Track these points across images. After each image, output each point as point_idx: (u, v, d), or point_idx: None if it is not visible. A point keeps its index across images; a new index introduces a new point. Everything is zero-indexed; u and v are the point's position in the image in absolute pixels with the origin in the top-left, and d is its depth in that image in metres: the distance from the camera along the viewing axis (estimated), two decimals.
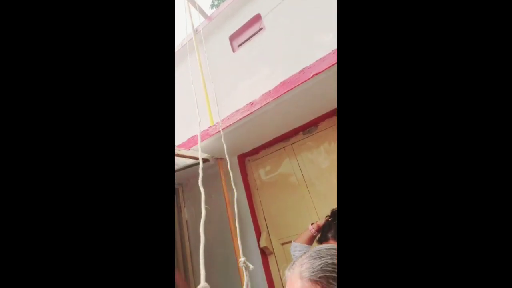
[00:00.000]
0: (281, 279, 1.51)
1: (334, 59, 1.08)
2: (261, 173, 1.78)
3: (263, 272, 1.52)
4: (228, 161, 1.08)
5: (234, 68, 1.67)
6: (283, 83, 1.24)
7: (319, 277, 0.43)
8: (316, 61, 1.15)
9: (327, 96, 1.35)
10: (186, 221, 1.90)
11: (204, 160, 1.64)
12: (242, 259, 0.59)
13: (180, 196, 1.97)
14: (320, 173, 1.53)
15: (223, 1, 5.08)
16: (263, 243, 1.56)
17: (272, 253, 1.58)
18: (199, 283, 0.43)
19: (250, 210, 1.68)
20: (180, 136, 1.64)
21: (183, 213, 1.92)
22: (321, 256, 0.46)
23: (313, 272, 0.44)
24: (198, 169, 0.61)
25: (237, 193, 0.89)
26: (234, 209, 0.80)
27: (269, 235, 1.61)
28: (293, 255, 1.15)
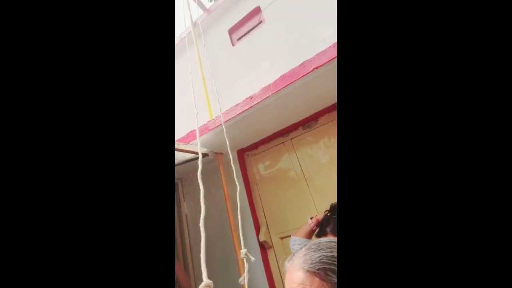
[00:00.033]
0: (280, 272, 1.52)
1: (334, 53, 1.07)
2: (260, 168, 1.78)
3: (263, 266, 1.53)
4: (231, 155, 1.08)
5: (234, 62, 1.65)
6: (283, 77, 1.23)
7: (318, 269, 0.44)
8: (317, 54, 1.14)
9: (327, 90, 1.34)
10: (186, 215, 1.91)
11: (204, 155, 1.64)
12: (243, 250, 0.59)
13: (180, 191, 1.97)
14: (320, 168, 1.53)
15: None
16: (262, 238, 1.57)
17: (271, 247, 1.59)
18: (199, 278, 0.42)
19: (250, 205, 1.68)
20: (179, 130, 1.63)
21: (182, 208, 1.92)
22: (321, 249, 0.47)
23: (311, 263, 0.45)
24: (197, 163, 0.61)
25: (238, 187, 0.89)
26: (236, 202, 0.80)
27: (269, 229, 1.62)
28: (292, 249, 1.15)
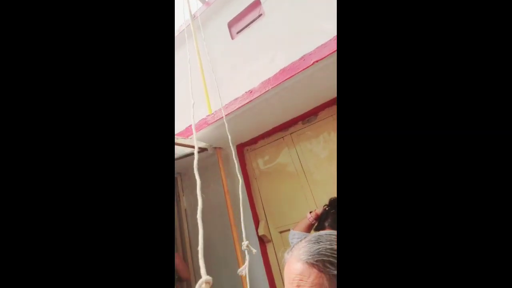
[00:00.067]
0: (279, 266, 1.54)
1: (335, 46, 1.06)
2: (260, 162, 1.78)
3: (262, 259, 1.54)
4: (233, 149, 1.07)
5: (233, 56, 1.63)
6: (283, 71, 1.22)
7: (316, 261, 0.44)
8: (317, 47, 1.12)
9: (327, 84, 1.33)
10: (185, 209, 1.92)
11: (203, 149, 1.63)
12: (245, 242, 0.59)
13: (179, 185, 1.97)
14: (319, 163, 1.53)
15: None
16: (261, 231, 1.58)
17: (270, 241, 1.60)
18: (198, 273, 0.43)
19: (249, 199, 1.69)
20: (178, 125, 1.62)
21: (181, 202, 1.93)
22: (320, 241, 0.47)
23: (310, 255, 0.45)
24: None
25: (236, 183, 0.88)
26: (235, 196, 0.80)
27: (268, 223, 1.63)
28: (291, 243, 1.16)
